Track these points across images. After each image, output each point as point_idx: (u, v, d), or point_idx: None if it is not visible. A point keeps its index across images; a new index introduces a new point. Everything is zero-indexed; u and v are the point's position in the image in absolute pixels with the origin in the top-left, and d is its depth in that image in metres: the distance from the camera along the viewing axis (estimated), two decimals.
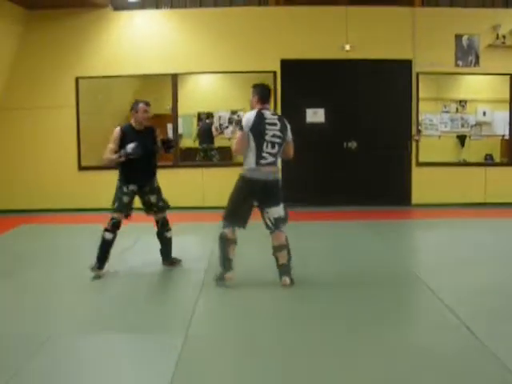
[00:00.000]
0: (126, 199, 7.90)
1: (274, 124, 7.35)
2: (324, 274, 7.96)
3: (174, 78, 13.31)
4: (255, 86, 7.58)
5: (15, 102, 13.17)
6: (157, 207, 8.20)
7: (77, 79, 13.23)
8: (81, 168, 13.23)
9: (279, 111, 13.08)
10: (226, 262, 7.33)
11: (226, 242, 7.35)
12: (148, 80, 14.59)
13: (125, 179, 7.95)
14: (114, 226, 7.82)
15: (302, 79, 13.19)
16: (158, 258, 8.34)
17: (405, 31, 12.96)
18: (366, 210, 12.71)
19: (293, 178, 13.09)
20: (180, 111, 13.77)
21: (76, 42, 13.16)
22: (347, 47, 12.86)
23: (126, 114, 16.20)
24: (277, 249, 7.41)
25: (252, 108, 7.47)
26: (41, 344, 5.69)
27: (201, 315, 6.53)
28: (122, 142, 7.80)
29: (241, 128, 7.27)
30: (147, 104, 8.08)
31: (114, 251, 7.94)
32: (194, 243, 10.45)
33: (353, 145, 13.26)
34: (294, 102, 13.12)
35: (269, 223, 7.39)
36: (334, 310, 6.57)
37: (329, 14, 13.00)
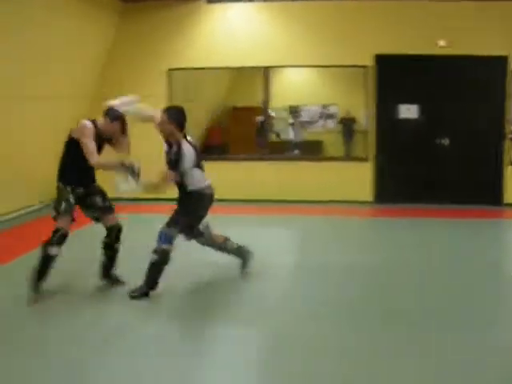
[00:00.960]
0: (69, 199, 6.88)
1: None
2: (414, 272, 7.87)
3: (266, 71, 13.27)
4: (170, 110, 7.04)
5: (109, 92, 13.29)
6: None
7: (169, 70, 13.35)
8: None
9: (371, 107, 12.93)
10: (156, 280, 6.85)
11: (166, 260, 6.86)
12: (239, 73, 14.64)
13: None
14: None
15: (395, 75, 12.96)
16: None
17: (501, 27, 12.58)
18: (456, 208, 12.43)
19: (384, 174, 12.97)
20: (271, 104, 13.72)
21: (169, 34, 13.28)
22: (441, 43, 12.57)
23: (217, 106, 16.47)
24: (223, 241, 7.57)
25: (170, 136, 6.95)
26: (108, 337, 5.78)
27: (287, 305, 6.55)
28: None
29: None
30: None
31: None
32: (285, 235, 10.45)
33: (445, 141, 12.98)
34: (386, 97, 12.92)
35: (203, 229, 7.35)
36: (426, 307, 6.49)
37: (424, 8, 12.70)
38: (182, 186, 7.04)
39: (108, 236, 7.08)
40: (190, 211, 7.03)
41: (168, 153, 6.92)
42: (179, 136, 6.88)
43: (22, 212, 11.88)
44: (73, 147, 6.79)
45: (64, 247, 6.70)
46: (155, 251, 6.79)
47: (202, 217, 7.23)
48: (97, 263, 7.18)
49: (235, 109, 16.86)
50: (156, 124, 7.02)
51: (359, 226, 11.14)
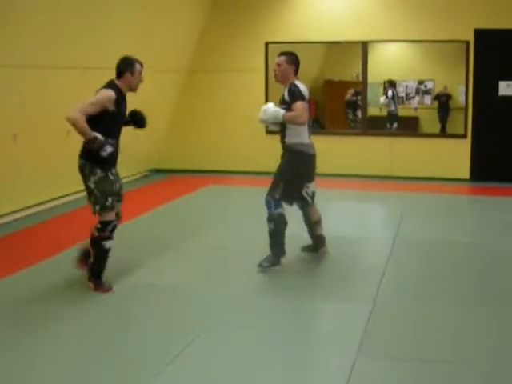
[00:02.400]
0: (116, 187, 6.33)
1: None
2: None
3: (364, 46, 13.16)
4: (291, 54, 7.06)
5: (206, 65, 13.54)
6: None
7: (266, 44, 13.40)
8: (268, 132, 13.41)
9: (471, 83, 12.71)
10: (281, 246, 6.93)
11: (284, 224, 6.89)
12: (335, 47, 14.57)
13: (104, 163, 6.16)
14: (114, 231, 6.29)
15: (495, 50, 12.68)
16: (344, 226, 8.29)
17: None
18: None
19: (481, 152, 12.76)
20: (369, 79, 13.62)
21: (266, 8, 13.29)
22: None
23: (312, 79, 16.44)
24: (316, 223, 7.29)
25: (284, 77, 6.91)
26: (227, 302, 5.95)
27: (389, 282, 6.59)
28: (106, 112, 6.09)
29: (302, 98, 6.75)
30: (280, 55, 7.09)
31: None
32: (383, 211, 10.45)
33: None
34: (486, 73, 12.66)
35: (308, 197, 7.14)
36: None
37: None
38: (284, 140, 6.99)
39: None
40: (291, 173, 6.91)
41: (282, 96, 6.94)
42: (294, 79, 6.93)
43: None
44: (108, 119, 6.10)
45: None
46: (269, 219, 6.82)
47: (303, 181, 7.06)
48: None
49: (327, 82, 16.79)
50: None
51: (456, 204, 11.01)
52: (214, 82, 13.60)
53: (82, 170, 6.17)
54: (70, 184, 9.54)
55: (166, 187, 12.29)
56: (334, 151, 12.97)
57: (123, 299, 6.11)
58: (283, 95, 6.89)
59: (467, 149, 12.79)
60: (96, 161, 6.06)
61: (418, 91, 16.01)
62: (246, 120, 13.28)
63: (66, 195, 10.50)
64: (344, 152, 13.11)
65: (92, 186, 6.09)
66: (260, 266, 6.85)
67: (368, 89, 13.57)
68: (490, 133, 12.72)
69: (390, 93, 16.02)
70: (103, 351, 4.98)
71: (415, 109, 16.36)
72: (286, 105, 6.76)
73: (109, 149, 6.01)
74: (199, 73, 13.60)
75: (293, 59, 6.97)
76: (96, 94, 6.15)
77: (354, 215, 9.89)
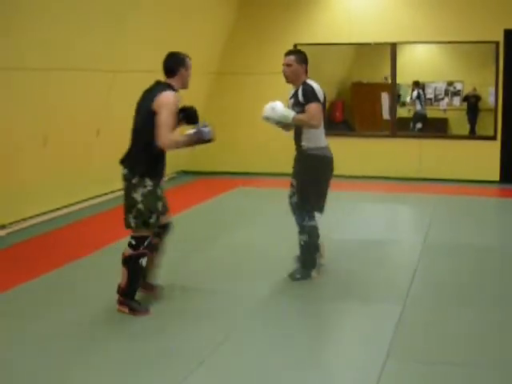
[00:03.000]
0: (160, 205, 5.83)
1: None
2: None
3: (393, 47, 13.10)
4: (300, 53, 6.85)
5: (234, 67, 13.56)
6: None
7: (295, 45, 13.37)
8: None
9: (500, 84, 12.61)
10: (314, 260, 6.73)
11: (317, 236, 6.71)
12: (363, 48, 14.53)
13: (155, 174, 5.78)
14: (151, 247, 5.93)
15: None
16: (373, 228, 8.25)
17: None
18: None
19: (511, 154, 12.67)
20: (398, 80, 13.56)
21: (295, 9, 13.27)
22: None
23: (340, 81, 16.40)
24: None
25: (296, 77, 6.62)
26: (257, 303, 5.98)
27: (418, 284, 6.57)
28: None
29: (315, 99, 6.46)
30: (288, 54, 6.79)
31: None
32: (411, 213, 10.40)
33: None
34: None
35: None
36: None
37: None
38: (299, 143, 6.66)
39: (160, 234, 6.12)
40: (316, 181, 6.60)
41: (294, 97, 6.68)
42: (305, 78, 6.66)
43: None
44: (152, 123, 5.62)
45: None
46: (301, 232, 6.65)
47: (329, 185, 6.73)
48: None
49: (355, 84, 16.75)
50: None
51: (487, 207, 10.92)
52: (242, 83, 13.60)
53: (128, 179, 5.67)
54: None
55: (195, 189, 12.34)
56: (362, 153, 12.96)
57: (152, 300, 6.10)
58: (296, 95, 6.58)
59: (497, 150, 12.69)
60: (147, 171, 5.64)
61: (446, 92, 15.94)
62: None
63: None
64: (373, 154, 13.05)
65: (139, 198, 5.60)
66: (291, 277, 6.70)
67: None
68: None
69: (415, 93, 15.97)
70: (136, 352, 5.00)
71: (444, 110, 16.29)
72: (301, 107, 6.49)
73: (207, 129, 5.82)
74: (227, 75, 13.62)
75: (302, 58, 6.71)
76: (143, 99, 5.75)
77: (383, 218, 9.85)
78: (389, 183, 12.47)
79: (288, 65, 6.63)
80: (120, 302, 5.74)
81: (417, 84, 15.96)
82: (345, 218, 9.52)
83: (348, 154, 12.82)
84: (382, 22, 12.92)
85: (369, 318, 5.72)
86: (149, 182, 5.61)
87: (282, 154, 13.33)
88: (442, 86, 15.95)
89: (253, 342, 5.17)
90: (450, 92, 15.99)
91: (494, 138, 12.71)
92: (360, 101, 16.29)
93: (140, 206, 5.60)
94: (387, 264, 7.45)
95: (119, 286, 5.73)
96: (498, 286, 6.59)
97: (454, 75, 15.99)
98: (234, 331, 5.35)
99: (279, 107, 6.53)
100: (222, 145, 13.69)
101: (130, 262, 5.64)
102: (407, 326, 5.47)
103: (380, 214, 10.01)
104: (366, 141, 13.34)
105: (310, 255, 6.69)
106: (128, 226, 5.71)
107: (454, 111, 16.20)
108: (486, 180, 12.60)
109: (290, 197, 6.85)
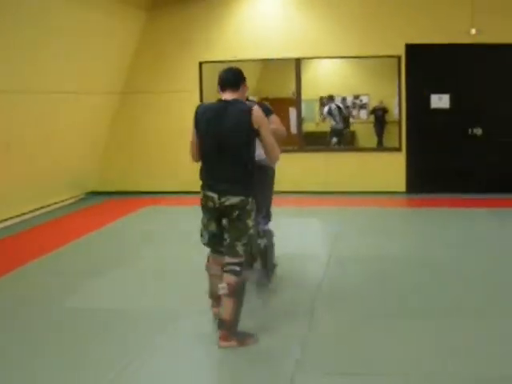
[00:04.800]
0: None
1: None
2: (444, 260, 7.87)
3: (298, 63, 13.25)
4: None
5: (140, 86, 13.47)
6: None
7: (200, 64, 13.40)
8: None
9: (403, 96, 12.88)
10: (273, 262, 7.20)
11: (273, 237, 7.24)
12: (270, 64, 14.64)
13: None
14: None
15: (426, 64, 12.90)
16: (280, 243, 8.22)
17: None
18: (489, 197, 12.34)
19: (415, 165, 12.93)
20: (302, 96, 13.70)
21: (200, 27, 13.27)
22: (473, 31, 12.45)
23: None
24: None
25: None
26: (168, 322, 5.91)
27: (324, 297, 6.60)
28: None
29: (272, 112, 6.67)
30: None
31: None
32: (319, 227, 10.48)
33: (478, 131, 12.89)
34: (418, 87, 12.86)
35: None
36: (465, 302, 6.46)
37: None
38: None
39: None
40: (269, 187, 7.05)
41: None
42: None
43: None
44: (253, 142, 5.42)
45: None
46: (260, 236, 6.65)
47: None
48: None
49: (263, 100, 16.79)
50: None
51: (394, 217, 11.10)
52: (148, 103, 13.51)
53: (241, 207, 5.32)
54: None
55: (104, 210, 12.16)
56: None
57: (58, 325, 5.97)
58: None
59: (402, 162, 12.95)
60: (251, 191, 5.39)
61: (354, 106, 16.17)
62: (181, 141, 13.27)
63: None
64: (282, 169, 13.08)
65: (251, 223, 5.34)
66: (261, 284, 6.85)
67: (304, 105, 13.63)
68: (424, 145, 12.91)
69: (326, 108, 16.13)
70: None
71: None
72: None
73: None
74: (133, 94, 13.50)
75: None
76: (224, 120, 5.30)
77: (291, 232, 9.88)
78: (297, 197, 12.55)
79: None
80: (225, 338, 5.32)
81: (330, 98, 16.11)
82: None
83: None
84: (287, 38, 13.04)
85: (275, 332, 5.70)
86: (253, 202, 5.41)
87: (191, 172, 13.34)
88: (348, 100, 16.18)
89: (162, 360, 5.10)
90: (357, 105, 16.23)
91: (399, 149, 12.96)
92: None
93: (251, 231, 5.38)
94: (294, 278, 7.44)
95: (222, 321, 5.34)
96: (403, 296, 6.66)
97: (361, 89, 16.25)
98: (143, 350, 5.27)
99: None
100: (131, 164, 13.64)
101: (238, 290, 5.32)
102: (314, 338, 5.49)
103: (288, 229, 10.01)
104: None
105: (270, 258, 6.96)
106: (235, 254, 5.34)
107: (361, 124, 16.44)
108: (393, 191, 12.83)
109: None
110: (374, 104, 16.31)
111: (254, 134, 5.29)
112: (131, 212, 11.59)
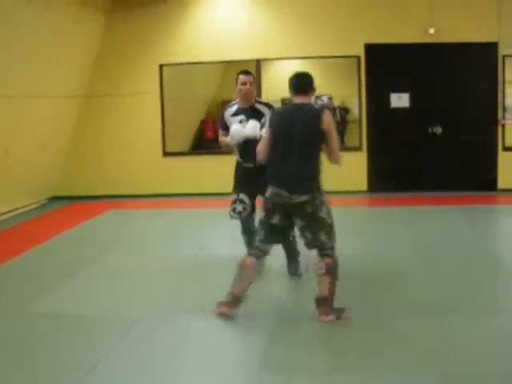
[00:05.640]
0: None
1: None
2: (409, 259, 7.93)
3: (258, 64, 13.30)
4: (251, 73, 7.36)
5: (101, 90, 13.41)
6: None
7: (161, 66, 13.39)
8: (165, 154, 13.42)
9: (363, 96, 12.99)
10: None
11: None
12: (230, 66, 14.63)
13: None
14: None
15: (386, 64, 13.02)
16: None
17: (490, 14, 12.61)
18: (450, 195, 12.49)
19: (376, 164, 13.04)
20: (263, 97, 13.73)
21: (160, 29, 13.27)
22: (431, 31, 12.60)
23: (209, 100, 16.45)
24: None
25: (252, 95, 7.20)
26: (133, 325, 5.88)
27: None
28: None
29: None
30: (247, 73, 7.16)
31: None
32: None
33: (438, 130, 13.03)
34: (378, 87, 12.99)
35: None
36: (417, 297, 6.51)
37: None
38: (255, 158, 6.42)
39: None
40: None
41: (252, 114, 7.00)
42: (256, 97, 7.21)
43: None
44: (320, 141, 5.84)
45: None
46: None
47: None
48: None
49: (226, 102, 16.79)
50: None
51: (356, 216, 11.18)
52: (110, 106, 13.47)
53: (312, 203, 5.72)
54: None
55: (66, 214, 12.08)
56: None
57: (23, 329, 5.93)
58: (255, 112, 6.90)
59: (364, 161, 13.05)
60: (320, 186, 5.82)
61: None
62: (144, 143, 13.32)
63: None
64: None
65: (325, 215, 5.79)
66: (294, 274, 7.18)
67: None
68: (385, 144, 13.03)
69: None
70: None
71: None
72: None
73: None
74: (95, 98, 13.44)
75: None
76: (297, 121, 5.70)
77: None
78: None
79: (250, 83, 7.04)
80: (325, 313, 5.82)
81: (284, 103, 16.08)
82: (211, 235, 9.59)
83: (219, 171, 12.90)
84: (247, 40, 13.09)
85: (240, 332, 5.74)
86: (323, 196, 5.80)
87: (152, 175, 13.34)
88: (311, 101, 16.22)
89: (125, 366, 5.07)
90: (319, 106, 16.27)
91: (360, 148, 13.06)
92: None
93: (329, 220, 5.83)
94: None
95: (320, 299, 5.82)
96: (359, 292, 6.70)
97: (322, 89, 16.29)
98: (106, 355, 5.25)
99: (256, 125, 6.73)
100: (94, 168, 13.58)
101: (334, 269, 5.84)
102: (277, 337, 5.51)
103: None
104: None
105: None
106: (322, 245, 5.85)
107: None
108: (355, 190, 12.91)
109: (241, 212, 7.04)
110: (336, 104, 16.35)
111: (322, 135, 5.70)
112: (95, 216, 11.53)
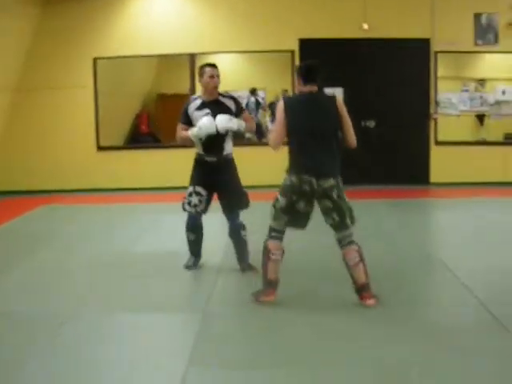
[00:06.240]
0: None
1: None
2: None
3: (192, 58, 13.28)
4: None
5: (33, 83, 13.23)
6: None
7: (94, 59, 13.28)
8: (99, 148, 13.32)
9: (297, 91, 13.05)
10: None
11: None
12: (166, 60, 14.59)
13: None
14: None
15: (320, 58, 12.92)
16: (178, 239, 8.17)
17: (423, 10, 12.85)
18: (383, 188, 12.67)
19: None
20: (197, 91, 13.71)
21: (93, 23, 13.18)
22: (365, 26, 12.78)
23: (144, 94, 16.36)
24: None
25: (217, 88, 7.10)
26: (64, 322, 5.81)
27: (217, 292, 6.65)
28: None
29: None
30: (213, 66, 7.09)
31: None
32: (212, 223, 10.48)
33: (371, 124, 13.22)
34: None
35: None
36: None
37: None
38: (220, 151, 7.02)
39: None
40: (239, 180, 7.24)
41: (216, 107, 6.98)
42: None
43: None
44: (338, 126, 6.06)
45: None
46: (243, 228, 7.19)
47: None
48: None
49: (161, 96, 16.75)
50: None
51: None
52: (43, 99, 13.29)
53: (336, 186, 5.94)
54: None
55: None
56: (169, 165, 12.97)
57: None
58: (225, 107, 6.94)
59: None
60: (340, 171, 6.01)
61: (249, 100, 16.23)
62: (77, 137, 13.18)
63: None
64: (179, 165, 13.08)
65: (346, 197, 5.99)
66: (248, 268, 7.14)
67: None
68: None
69: (252, 100, 16.08)
70: None
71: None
72: (234, 115, 6.94)
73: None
74: (28, 91, 13.25)
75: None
76: (320, 107, 5.95)
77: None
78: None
79: (218, 76, 6.99)
80: (371, 297, 5.97)
81: (252, 92, 16.02)
82: (145, 230, 9.56)
83: (154, 165, 12.90)
84: (182, 33, 13.10)
85: (169, 328, 5.74)
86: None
87: (86, 169, 13.21)
88: (244, 94, 16.23)
89: (54, 365, 4.99)
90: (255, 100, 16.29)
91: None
92: (166, 112, 16.29)
93: (349, 203, 5.98)
94: (186, 274, 7.42)
95: (363, 285, 5.95)
96: (302, 285, 6.75)
97: (257, 83, 16.34)
98: (41, 352, 5.18)
99: (232, 118, 6.85)
100: (27, 162, 13.37)
101: (363, 254, 6.00)
102: (207, 333, 5.50)
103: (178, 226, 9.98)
104: (172, 152, 13.31)
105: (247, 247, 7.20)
106: (347, 227, 5.97)
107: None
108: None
109: (196, 205, 7.08)
110: (270, 99, 16.41)
111: (340, 119, 5.93)
112: (28, 211, 11.36)
